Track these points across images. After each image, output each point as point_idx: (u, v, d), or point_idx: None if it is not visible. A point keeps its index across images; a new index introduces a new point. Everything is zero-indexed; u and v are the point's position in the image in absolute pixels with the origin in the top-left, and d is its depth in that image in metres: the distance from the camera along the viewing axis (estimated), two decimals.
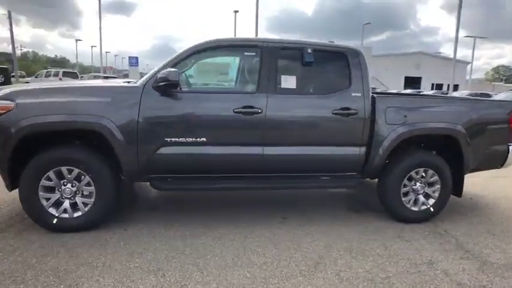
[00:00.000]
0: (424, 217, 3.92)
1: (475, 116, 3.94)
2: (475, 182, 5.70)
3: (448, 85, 23.81)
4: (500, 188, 5.48)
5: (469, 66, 49.96)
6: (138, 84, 3.40)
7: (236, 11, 33.22)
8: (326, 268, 2.91)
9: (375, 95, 3.75)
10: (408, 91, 27.95)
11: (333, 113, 3.56)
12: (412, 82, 60.36)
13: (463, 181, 4.05)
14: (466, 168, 3.98)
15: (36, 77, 28.79)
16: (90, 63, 73.74)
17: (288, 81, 3.53)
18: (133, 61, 27.77)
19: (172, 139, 3.31)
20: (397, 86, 55.67)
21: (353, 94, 3.62)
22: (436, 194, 3.92)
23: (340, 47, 3.79)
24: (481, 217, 4.21)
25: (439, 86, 47.68)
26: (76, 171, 3.20)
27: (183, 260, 2.91)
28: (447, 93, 27.44)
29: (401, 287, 2.69)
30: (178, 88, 3.29)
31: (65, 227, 3.23)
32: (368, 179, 4.12)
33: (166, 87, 3.22)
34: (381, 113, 3.67)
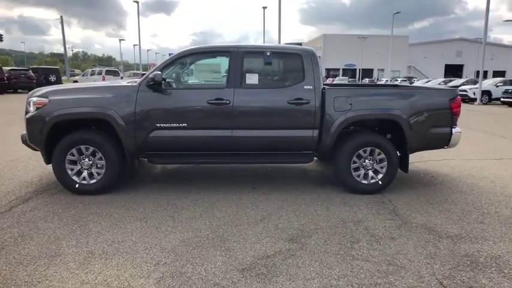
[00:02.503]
0: (373, 189, 4.65)
1: (417, 103, 4.60)
2: (449, 164, 6.27)
3: (480, 72, 22.80)
4: (468, 168, 6.00)
5: None
6: (136, 83, 4.45)
7: (265, 7, 34.83)
8: (269, 221, 3.80)
9: (326, 87, 4.54)
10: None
11: (288, 103, 4.40)
12: (454, 70, 57.47)
13: (408, 159, 4.73)
14: (410, 148, 4.66)
15: (83, 75, 31.68)
16: (133, 60, 78.57)
17: (252, 78, 4.43)
18: None
19: (161, 124, 4.34)
20: (437, 74, 53.31)
21: (305, 87, 4.44)
22: (384, 170, 4.64)
23: (296, 49, 4.61)
24: (429, 192, 4.83)
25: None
26: (91, 148, 4.33)
27: (164, 213, 3.94)
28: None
29: (323, 235, 3.51)
30: (163, 85, 4.31)
31: (84, 190, 4.38)
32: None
33: (154, 85, 4.26)
34: (329, 102, 4.46)
